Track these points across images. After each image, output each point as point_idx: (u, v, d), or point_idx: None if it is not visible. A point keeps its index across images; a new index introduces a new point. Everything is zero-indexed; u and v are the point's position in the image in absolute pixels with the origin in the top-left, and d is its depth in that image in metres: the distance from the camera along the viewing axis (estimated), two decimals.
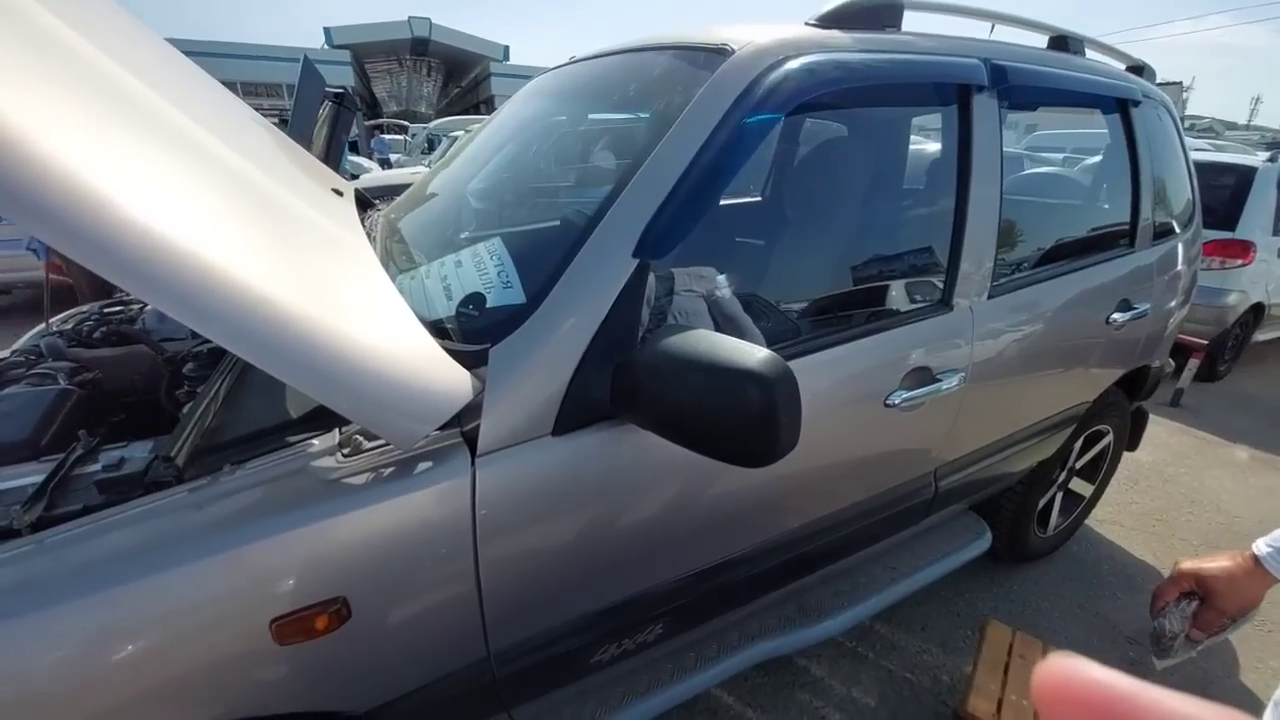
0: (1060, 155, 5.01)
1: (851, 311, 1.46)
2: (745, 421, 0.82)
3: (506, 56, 39.54)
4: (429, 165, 6.52)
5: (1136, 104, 1.96)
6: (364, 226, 1.54)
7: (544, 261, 1.05)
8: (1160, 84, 2.19)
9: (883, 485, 1.51)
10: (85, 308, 1.65)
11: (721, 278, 1.29)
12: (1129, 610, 2.16)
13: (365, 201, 1.95)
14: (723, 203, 1.94)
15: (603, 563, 1.11)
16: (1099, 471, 2.37)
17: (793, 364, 0.86)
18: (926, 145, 1.99)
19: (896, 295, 1.48)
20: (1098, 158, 2.53)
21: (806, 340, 1.28)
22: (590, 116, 2.01)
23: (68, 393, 1.15)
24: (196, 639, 0.80)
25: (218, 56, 27.50)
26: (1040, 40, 1.86)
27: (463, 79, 44.81)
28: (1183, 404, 3.84)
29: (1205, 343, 3.79)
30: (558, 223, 1.30)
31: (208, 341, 1.31)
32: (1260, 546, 0.82)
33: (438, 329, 1.05)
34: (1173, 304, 2.15)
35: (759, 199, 2.38)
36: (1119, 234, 1.99)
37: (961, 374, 1.45)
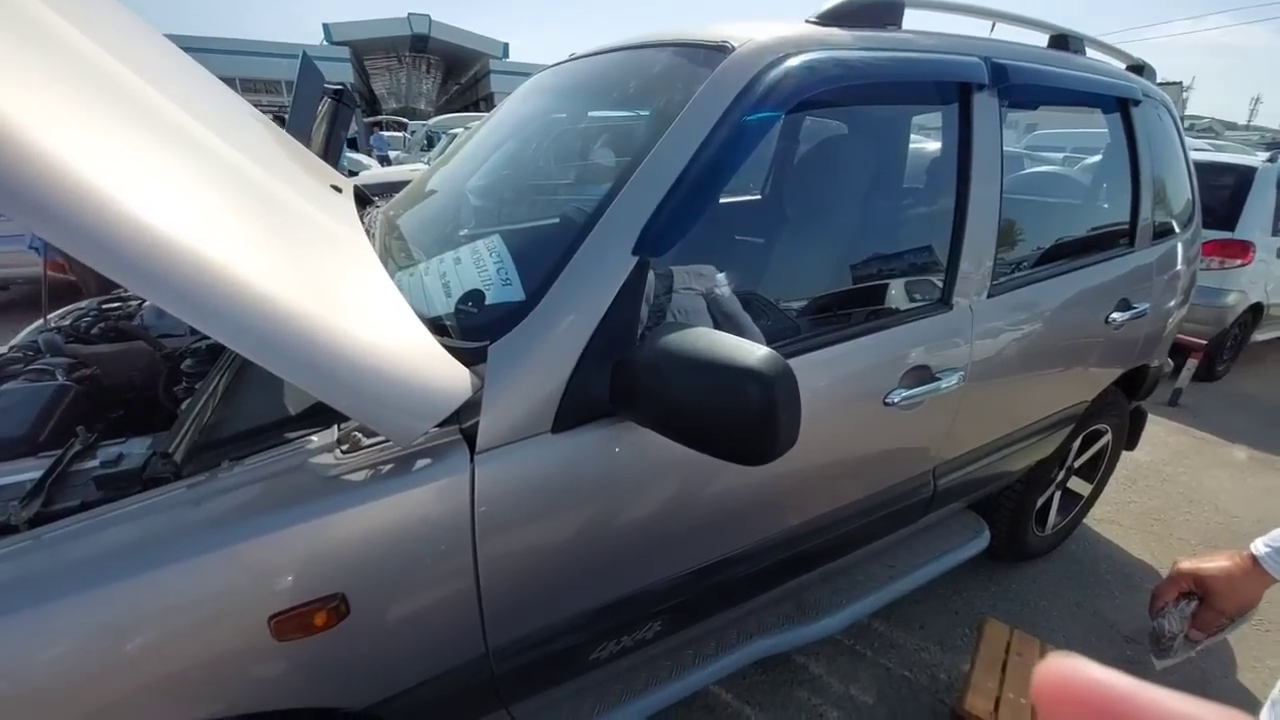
0: (1060, 154, 5.00)
1: (851, 310, 1.46)
2: (744, 419, 0.82)
3: (506, 54, 39.45)
4: (428, 162, 6.50)
5: (1137, 103, 1.96)
6: (363, 223, 1.53)
7: (543, 259, 1.05)
8: (1160, 84, 2.19)
9: (881, 483, 1.51)
10: (83, 304, 1.65)
11: (721, 276, 1.29)
12: (1127, 609, 2.17)
13: (364, 198, 1.95)
14: (722, 201, 1.95)
15: (601, 560, 1.11)
16: (1097, 471, 2.37)
17: (792, 362, 0.86)
18: (927, 144, 1.99)
19: (896, 294, 1.48)
20: (1098, 157, 2.53)
21: (806, 338, 1.28)
22: (590, 114, 2.00)
23: (66, 388, 1.15)
24: (195, 635, 0.80)
25: (217, 53, 27.48)
26: (1041, 39, 1.86)
27: (462, 76, 44.72)
28: (1181, 404, 3.85)
29: (1204, 342, 3.80)
30: (557, 220, 1.30)
31: (206, 338, 1.31)
32: (1258, 546, 0.82)
33: (437, 326, 1.05)
34: (1172, 304, 2.15)
35: (759, 197, 2.38)
36: (1119, 233, 1.99)
37: (960, 373, 1.45)
